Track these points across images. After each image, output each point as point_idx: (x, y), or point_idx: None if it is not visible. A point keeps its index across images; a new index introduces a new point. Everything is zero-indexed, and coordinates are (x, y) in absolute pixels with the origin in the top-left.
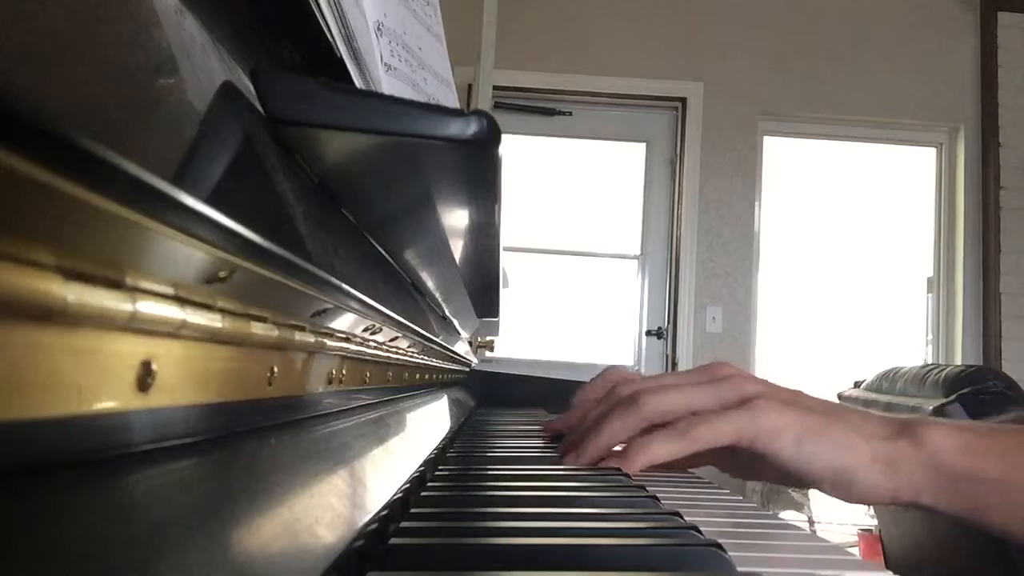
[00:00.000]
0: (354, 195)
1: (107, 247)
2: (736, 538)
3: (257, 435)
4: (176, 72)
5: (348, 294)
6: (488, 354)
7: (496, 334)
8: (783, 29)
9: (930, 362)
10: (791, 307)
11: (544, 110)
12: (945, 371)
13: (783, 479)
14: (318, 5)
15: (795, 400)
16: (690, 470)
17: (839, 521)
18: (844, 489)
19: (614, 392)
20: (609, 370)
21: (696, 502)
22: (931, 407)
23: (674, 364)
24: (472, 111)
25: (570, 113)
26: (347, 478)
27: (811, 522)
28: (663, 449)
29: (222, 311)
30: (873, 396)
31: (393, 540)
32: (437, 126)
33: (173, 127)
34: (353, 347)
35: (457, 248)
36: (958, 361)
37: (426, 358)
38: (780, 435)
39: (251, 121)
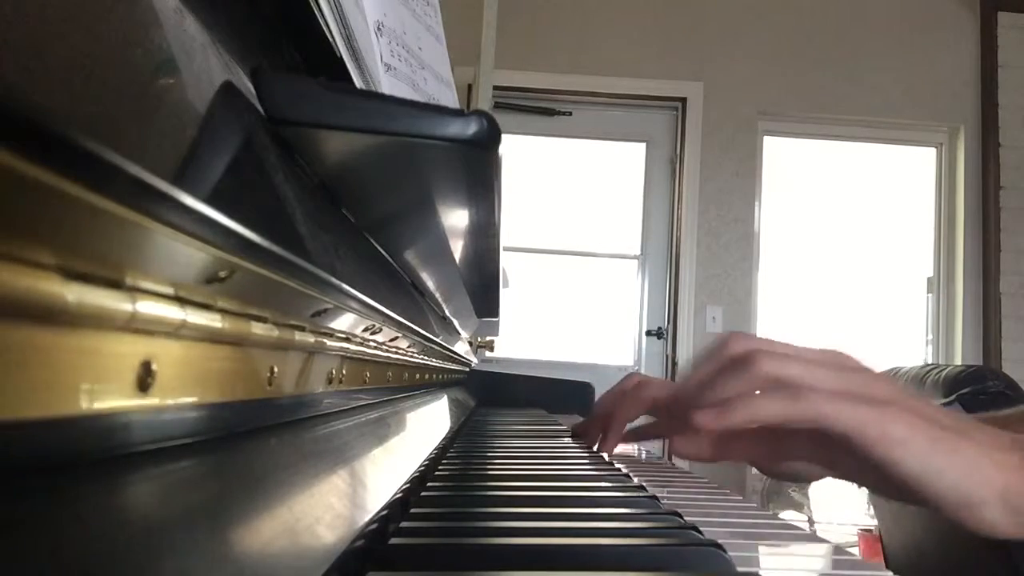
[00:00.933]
0: (354, 195)
1: (107, 247)
2: (736, 538)
3: (257, 435)
4: (176, 72)
5: (348, 294)
6: (488, 354)
7: (496, 334)
8: (783, 29)
9: (930, 362)
10: (791, 307)
11: (544, 110)
12: (945, 371)
13: (891, 491)
14: (318, 5)
15: (926, 411)
16: (756, 470)
17: (839, 521)
18: (966, 516)
19: (725, 349)
20: (629, 377)
21: (696, 502)
22: None
23: (674, 364)
24: (472, 111)
25: (570, 113)
26: (347, 478)
27: (811, 522)
28: (771, 407)
29: (222, 311)
30: None
31: (393, 540)
32: (437, 126)
33: (173, 127)
34: (353, 347)
35: (457, 248)
36: (958, 361)
37: (426, 358)
38: (906, 445)
39: (251, 121)
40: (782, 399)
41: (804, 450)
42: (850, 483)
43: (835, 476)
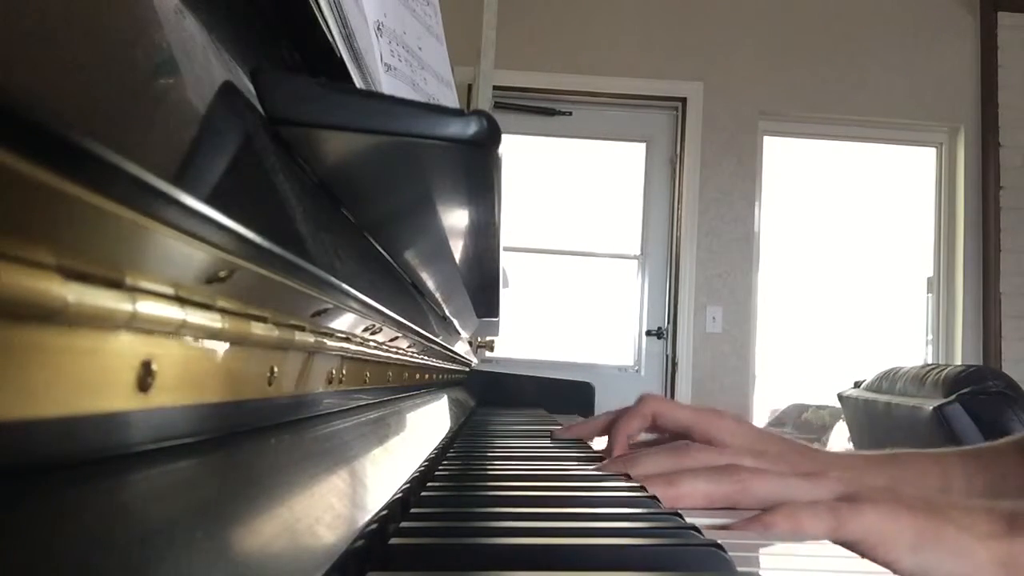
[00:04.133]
0: (354, 195)
1: (107, 247)
2: (736, 538)
3: (257, 435)
4: (176, 72)
5: (348, 294)
6: (488, 354)
7: (496, 334)
8: (783, 29)
9: (930, 362)
10: (791, 307)
11: (544, 110)
12: (945, 371)
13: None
14: (318, 5)
15: (897, 500)
16: None
17: None
18: None
19: (692, 455)
20: (646, 400)
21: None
22: (931, 407)
23: (674, 364)
24: (472, 111)
25: (570, 113)
26: (347, 478)
27: None
28: (778, 532)
29: (222, 311)
30: (873, 396)
31: (393, 540)
32: (437, 126)
33: (173, 127)
34: (353, 347)
35: (457, 248)
36: (958, 361)
37: (426, 358)
38: (894, 543)
39: (251, 121)
40: (813, 520)
41: None
42: None
43: None
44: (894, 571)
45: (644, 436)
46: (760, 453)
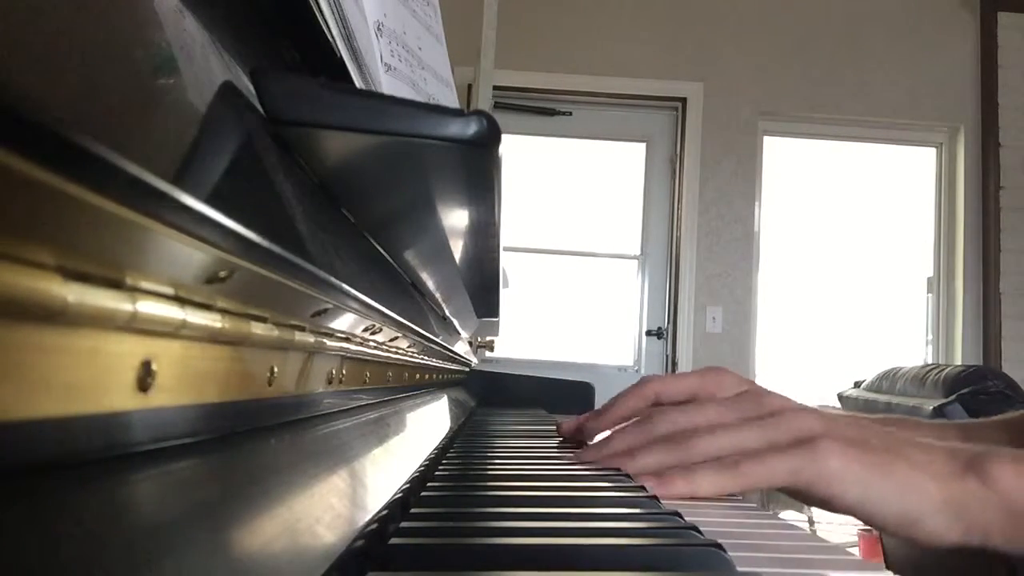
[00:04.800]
0: (354, 195)
1: (107, 247)
2: (736, 538)
3: (257, 435)
4: (176, 72)
5: (348, 294)
6: (488, 354)
7: (496, 334)
8: (783, 29)
9: (930, 362)
10: (791, 307)
11: (544, 110)
12: (945, 371)
13: (840, 513)
14: (318, 5)
15: (857, 437)
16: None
17: (839, 521)
18: (911, 533)
19: (655, 422)
20: (646, 381)
21: (696, 502)
22: (931, 407)
23: (674, 364)
24: (472, 111)
25: (570, 113)
26: (347, 478)
27: (811, 522)
28: (709, 483)
29: (222, 311)
30: (873, 396)
31: (393, 540)
32: (437, 126)
33: (173, 127)
34: (353, 347)
35: (457, 248)
36: (958, 361)
37: (426, 358)
38: (842, 479)
39: (251, 121)
40: (718, 473)
41: (754, 490)
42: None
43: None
44: (835, 505)
45: None
46: (728, 399)
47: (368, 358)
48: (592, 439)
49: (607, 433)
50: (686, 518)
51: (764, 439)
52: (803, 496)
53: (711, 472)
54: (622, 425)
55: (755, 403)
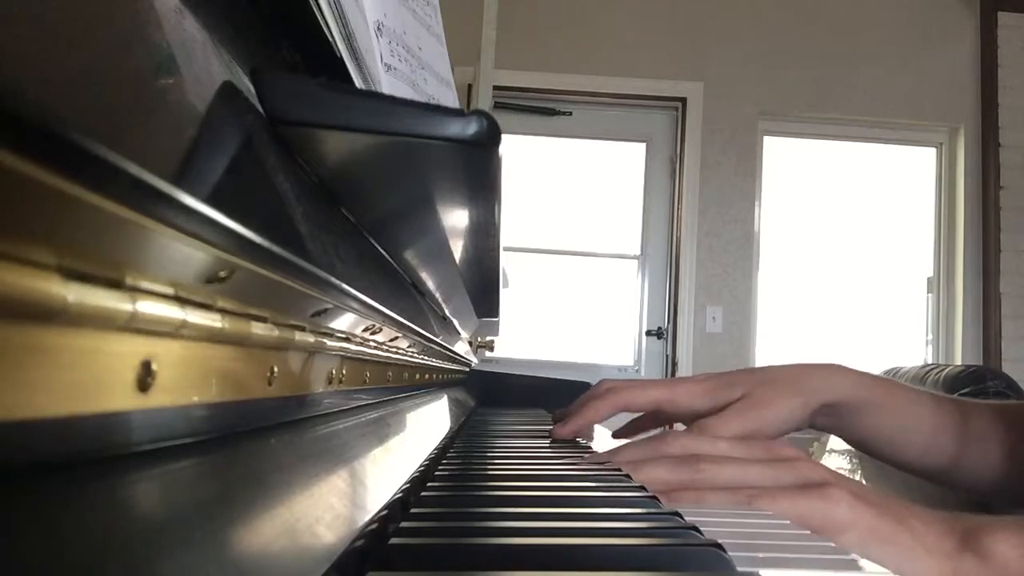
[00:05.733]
0: (354, 195)
1: (107, 247)
2: (736, 538)
3: (257, 435)
4: (176, 72)
5: (348, 294)
6: (488, 354)
7: (496, 334)
8: (783, 29)
9: (930, 362)
10: (791, 307)
11: (544, 110)
12: (945, 371)
13: None
14: (318, 5)
15: (865, 494)
16: None
17: None
18: None
19: (667, 442)
20: (614, 390)
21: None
22: None
23: (674, 364)
24: (472, 111)
25: (570, 113)
26: (347, 478)
27: None
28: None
29: (222, 311)
30: None
31: (393, 540)
32: (437, 126)
33: (173, 127)
34: (353, 347)
35: (457, 248)
36: (958, 361)
37: (426, 358)
38: (845, 532)
39: (251, 121)
40: (728, 501)
41: None
42: None
43: None
44: None
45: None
46: (741, 440)
47: (368, 358)
48: (561, 435)
49: (615, 443)
50: (686, 518)
51: (772, 479)
52: None
53: (721, 498)
54: (633, 440)
55: (766, 447)
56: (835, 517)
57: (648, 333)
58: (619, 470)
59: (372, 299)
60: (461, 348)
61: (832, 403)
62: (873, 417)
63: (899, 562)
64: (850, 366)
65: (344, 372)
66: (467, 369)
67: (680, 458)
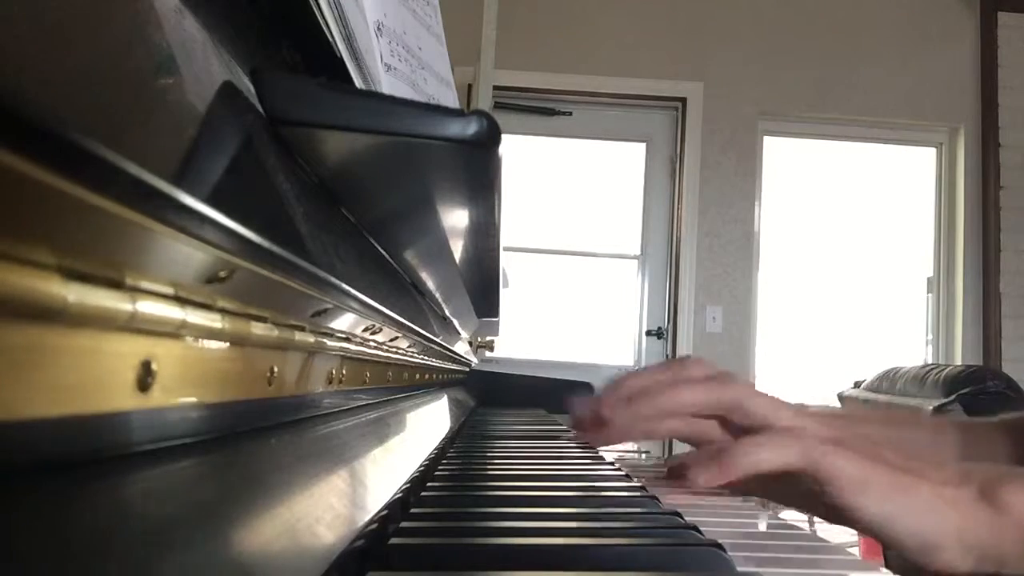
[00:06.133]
0: (354, 195)
1: (107, 247)
2: (736, 538)
3: (257, 435)
4: (176, 72)
5: (348, 294)
6: (488, 354)
7: (496, 334)
8: (783, 29)
9: (930, 362)
10: (791, 307)
11: (544, 110)
12: (945, 371)
13: (845, 524)
14: (318, 5)
15: (877, 450)
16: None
17: None
18: (926, 559)
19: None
20: (683, 361)
21: (696, 502)
22: (931, 407)
23: None
24: (472, 111)
25: (570, 113)
26: (347, 478)
27: (811, 522)
28: (771, 458)
29: (222, 311)
30: (873, 396)
31: (393, 540)
32: (437, 126)
33: (173, 127)
34: (353, 347)
35: (457, 248)
36: (958, 361)
37: (426, 358)
38: (864, 487)
39: (251, 121)
40: (778, 448)
41: (758, 487)
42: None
43: (784, 505)
44: (856, 516)
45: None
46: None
47: (368, 358)
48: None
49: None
50: (687, 518)
51: (790, 425)
52: (813, 502)
53: (773, 446)
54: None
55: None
56: (850, 473)
57: (648, 333)
58: (619, 469)
59: (372, 299)
60: (461, 348)
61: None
62: None
63: (921, 516)
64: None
65: (344, 372)
66: (467, 369)
67: (715, 377)
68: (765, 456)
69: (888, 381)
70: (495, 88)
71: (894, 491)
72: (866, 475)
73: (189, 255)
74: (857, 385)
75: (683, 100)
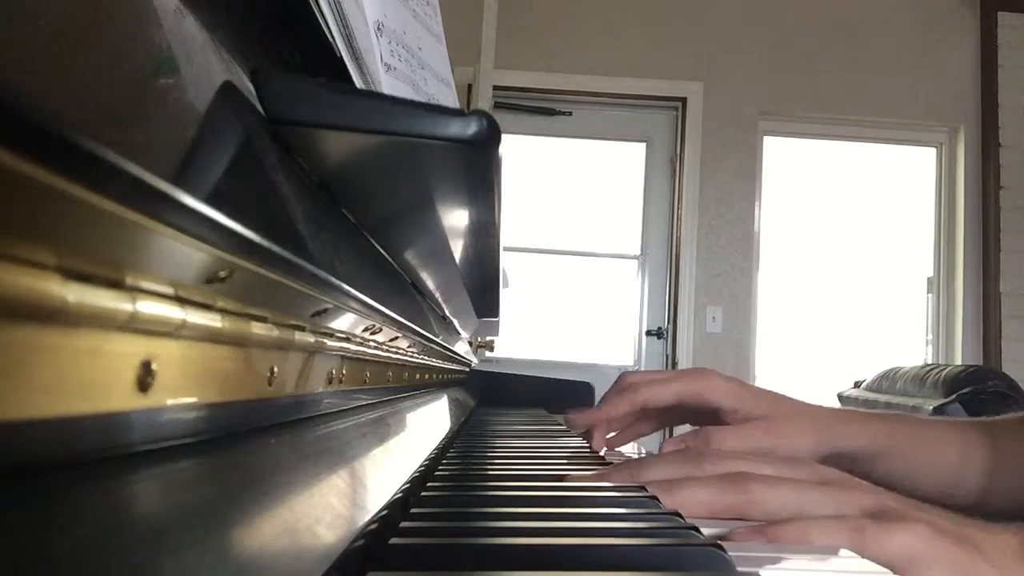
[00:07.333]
0: (354, 195)
1: (107, 247)
2: (736, 537)
3: (257, 435)
4: (176, 72)
5: (348, 294)
6: (488, 354)
7: (496, 334)
8: (783, 29)
9: (930, 362)
10: (791, 307)
11: (544, 110)
12: (945, 371)
13: None
14: (318, 5)
15: (937, 523)
16: None
17: None
18: None
19: (706, 458)
20: (635, 387)
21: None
22: (931, 407)
23: (674, 364)
24: (472, 111)
25: (570, 113)
26: (347, 478)
27: None
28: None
29: (222, 311)
30: (873, 396)
31: (393, 540)
32: (437, 126)
33: (173, 127)
34: (353, 347)
35: (457, 248)
36: (958, 361)
37: (426, 358)
38: (927, 570)
39: (251, 121)
40: (824, 532)
41: None
42: None
43: None
44: None
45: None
46: (783, 460)
47: (368, 358)
48: (575, 424)
49: (632, 452)
50: (687, 518)
51: (834, 508)
52: None
53: (790, 534)
54: (665, 451)
55: (812, 467)
56: (918, 553)
57: (648, 333)
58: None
59: (372, 299)
60: (461, 348)
61: (845, 452)
62: (890, 462)
63: None
64: (866, 412)
65: (344, 372)
66: (467, 369)
67: (724, 477)
68: (813, 538)
69: (888, 381)
70: (495, 88)
71: (956, 570)
72: (925, 554)
73: (189, 255)
74: (857, 385)
75: (683, 100)
